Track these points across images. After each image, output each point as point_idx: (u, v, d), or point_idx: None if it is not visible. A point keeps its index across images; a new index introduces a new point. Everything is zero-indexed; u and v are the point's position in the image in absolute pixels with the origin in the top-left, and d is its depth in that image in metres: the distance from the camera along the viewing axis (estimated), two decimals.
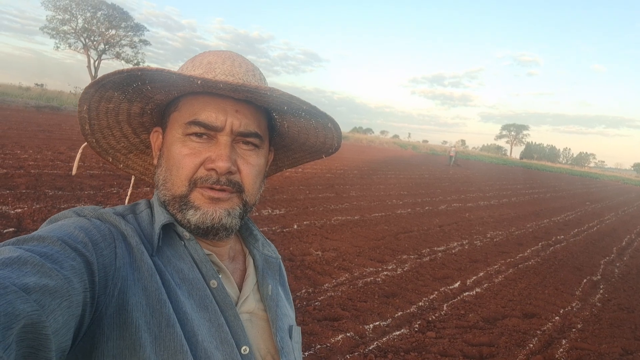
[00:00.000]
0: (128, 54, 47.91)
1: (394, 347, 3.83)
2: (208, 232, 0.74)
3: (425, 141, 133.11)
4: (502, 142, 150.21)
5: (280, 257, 0.91)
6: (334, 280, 5.12)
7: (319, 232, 7.12)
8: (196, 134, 0.72)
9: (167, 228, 0.73)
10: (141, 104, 0.78)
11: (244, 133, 0.73)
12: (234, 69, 0.75)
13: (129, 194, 1.00)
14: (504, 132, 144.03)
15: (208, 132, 0.72)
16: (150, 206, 0.78)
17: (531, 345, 4.28)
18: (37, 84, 39.16)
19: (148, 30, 49.37)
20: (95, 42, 45.40)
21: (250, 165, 0.75)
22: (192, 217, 0.72)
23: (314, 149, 0.89)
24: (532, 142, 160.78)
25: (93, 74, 45.87)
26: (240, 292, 0.78)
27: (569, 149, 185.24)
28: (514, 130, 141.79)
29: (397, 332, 4.13)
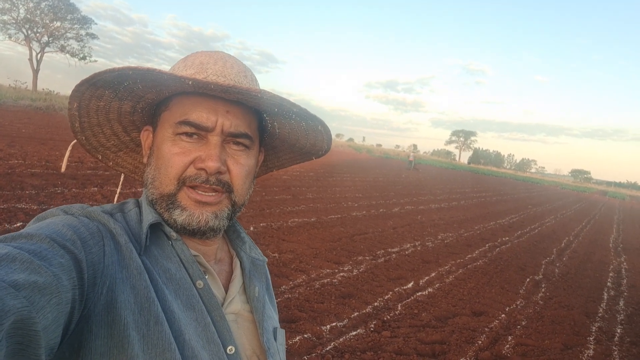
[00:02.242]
0: (74, 48, 45.54)
1: (351, 347, 3.88)
2: (195, 233, 0.74)
3: (379, 145, 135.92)
4: (451, 147, 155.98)
5: (266, 259, 0.92)
6: (291, 282, 5.12)
7: (275, 234, 7.09)
8: (187, 134, 0.72)
9: (154, 227, 0.73)
10: (132, 103, 0.77)
11: (235, 134, 0.74)
12: (226, 70, 0.75)
13: (117, 192, 0.97)
14: (454, 138, 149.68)
15: (199, 132, 0.72)
16: (138, 205, 0.77)
17: (480, 342, 4.47)
18: None
19: (96, 24, 47.26)
20: (38, 34, 42.81)
21: (240, 166, 0.76)
22: (179, 217, 0.72)
23: (303, 151, 0.90)
24: (479, 147, 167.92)
25: (35, 67, 43.29)
26: (226, 293, 0.79)
27: (513, 155, 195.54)
28: (463, 136, 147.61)
29: (354, 333, 4.19)
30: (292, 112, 0.76)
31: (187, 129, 0.72)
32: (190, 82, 0.65)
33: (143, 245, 0.68)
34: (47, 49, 44.63)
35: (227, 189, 0.75)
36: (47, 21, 42.16)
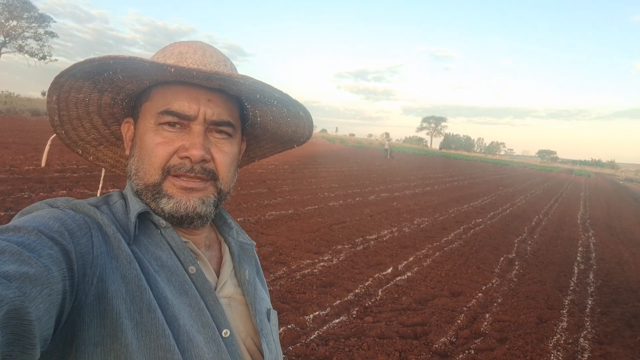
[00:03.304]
0: (32, 47, 43.80)
1: (335, 335, 3.93)
2: (183, 221, 0.74)
3: (352, 134, 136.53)
4: (422, 134, 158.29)
5: (254, 243, 0.93)
6: (272, 275, 5.13)
7: (253, 228, 7.07)
8: (169, 124, 0.72)
9: (142, 217, 0.73)
10: (112, 94, 0.76)
11: (217, 122, 0.74)
12: (205, 59, 0.75)
13: (100, 187, 0.96)
14: (424, 125, 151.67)
15: (181, 121, 0.72)
16: (123, 197, 0.77)
17: (459, 321, 4.60)
18: None
19: (54, 22, 45.41)
20: None
21: (224, 153, 0.76)
22: (166, 205, 0.72)
23: (285, 139, 0.91)
24: (449, 133, 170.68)
25: None
26: (218, 278, 0.79)
27: (482, 138, 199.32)
28: (434, 122, 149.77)
29: (337, 320, 4.25)
30: (273, 98, 0.76)
31: (170, 118, 0.72)
32: (172, 70, 0.64)
33: (132, 234, 0.68)
34: (4, 49, 42.76)
35: (212, 176, 0.75)
36: (3, 20, 40.35)
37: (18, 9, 40.63)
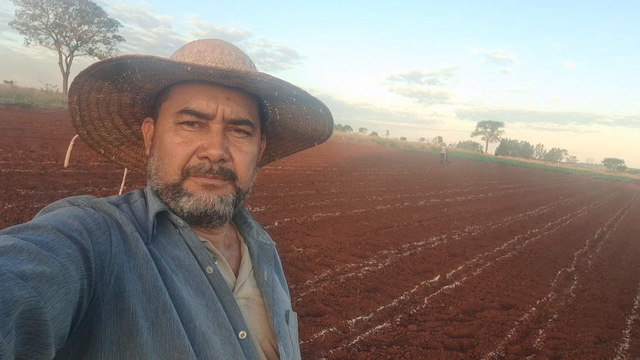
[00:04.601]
0: (101, 50, 46.78)
1: (377, 341, 3.86)
2: (202, 219, 0.73)
3: (403, 138, 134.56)
4: (477, 139, 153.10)
5: (274, 243, 0.91)
6: (315, 277, 5.13)
7: (300, 229, 7.11)
8: (188, 123, 0.72)
9: (161, 216, 0.73)
10: (131, 94, 0.77)
11: (236, 120, 0.73)
12: (224, 56, 0.75)
13: (122, 185, 0.98)
14: (480, 129, 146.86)
15: (199, 120, 0.72)
16: (144, 196, 0.77)
17: (509, 335, 4.37)
18: (6, 81, 37.83)
19: (122, 26, 48.39)
20: (67, 38, 44.19)
21: (244, 153, 0.75)
22: (186, 203, 0.72)
23: (305, 137, 0.89)
24: (506, 138, 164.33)
25: (65, 70, 44.67)
26: (236, 278, 0.79)
27: (542, 145, 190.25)
28: (489, 127, 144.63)
29: (380, 326, 4.17)
30: (292, 96, 0.75)
31: (188, 117, 0.71)
32: (189, 68, 0.64)
33: (150, 234, 0.69)
34: (76, 52, 46.05)
35: (230, 176, 0.74)
36: (75, 25, 43.45)
37: (89, 14, 43.60)
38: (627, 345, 4.54)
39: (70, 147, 0.88)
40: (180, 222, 0.73)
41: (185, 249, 0.72)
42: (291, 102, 0.79)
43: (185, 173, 0.72)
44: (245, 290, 0.78)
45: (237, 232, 0.88)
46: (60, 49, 44.52)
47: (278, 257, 0.94)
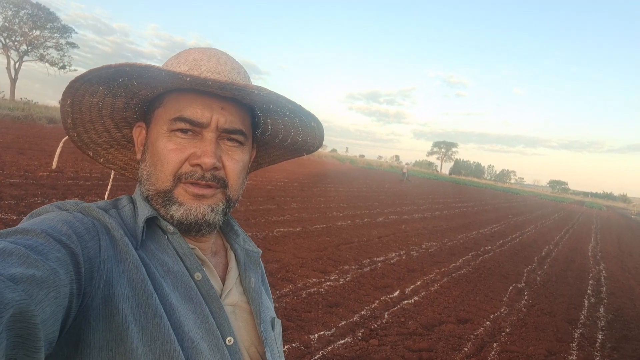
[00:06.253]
0: (53, 57, 44.80)
1: (339, 356, 3.87)
2: (191, 228, 0.74)
3: (362, 156, 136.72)
4: (433, 159, 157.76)
5: (261, 251, 0.92)
6: (277, 292, 5.09)
7: (261, 244, 7.05)
8: (181, 130, 0.72)
9: (150, 222, 0.73)
10: (125, 99, 0.77)
11: (229, 130, 0.74)
12: (219, 66, 0.76)
13: (108, 189, 0.97)
14: (435, 149, 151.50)
15: (193, 128, 0.72)
16: (132, 201, 0.77)
17: (466, 349, 4.51)
18: None
19: (76, 33, 46.57)
20: (16, 43, 42.05)
21: (235, 161, 0.76)
22: (176, 212, 0.72)
23: (294, 147, 0.91)
24: (460, 159, 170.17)
25: (13, 75, 42.42)
26: (223, 285, 0.79)
27: (493, 166, 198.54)
28: (444, 147, 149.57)
29: (342, 341, 4.18)
30: (286, 109, 0.77)
31: (182, 125, 0.72)
32: (187, 79, 0.65)
33: (139, 239, 0.68)
34: (25, 57, 43.83)
35: (222, 184, 0.75)
36: (27, 30, 41.44)
37: (42, 19, 41.74)
38: (574, 358, 4.79)
39: (58, 150, 0.88)
40: (170, 228, 0.73)
41: (174, 255, 0.72)
42: (284, 115, 0.81)
43: (177, 179, 0.72)
44: (232, 297, 0.78)
45: (224, 240, 0.89)
46: (9, 54, 42.31)
47: (262, 265, 0.95)
